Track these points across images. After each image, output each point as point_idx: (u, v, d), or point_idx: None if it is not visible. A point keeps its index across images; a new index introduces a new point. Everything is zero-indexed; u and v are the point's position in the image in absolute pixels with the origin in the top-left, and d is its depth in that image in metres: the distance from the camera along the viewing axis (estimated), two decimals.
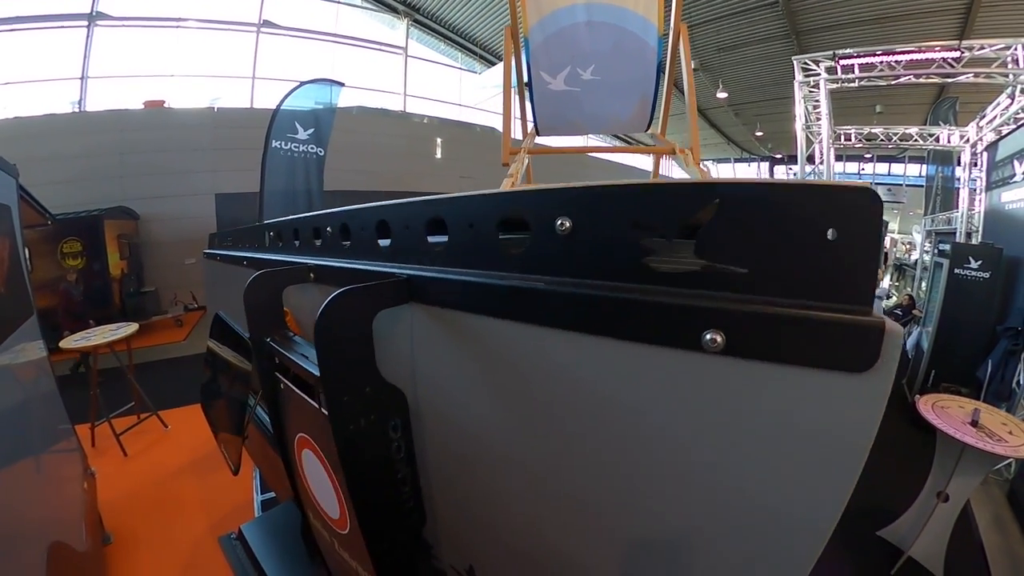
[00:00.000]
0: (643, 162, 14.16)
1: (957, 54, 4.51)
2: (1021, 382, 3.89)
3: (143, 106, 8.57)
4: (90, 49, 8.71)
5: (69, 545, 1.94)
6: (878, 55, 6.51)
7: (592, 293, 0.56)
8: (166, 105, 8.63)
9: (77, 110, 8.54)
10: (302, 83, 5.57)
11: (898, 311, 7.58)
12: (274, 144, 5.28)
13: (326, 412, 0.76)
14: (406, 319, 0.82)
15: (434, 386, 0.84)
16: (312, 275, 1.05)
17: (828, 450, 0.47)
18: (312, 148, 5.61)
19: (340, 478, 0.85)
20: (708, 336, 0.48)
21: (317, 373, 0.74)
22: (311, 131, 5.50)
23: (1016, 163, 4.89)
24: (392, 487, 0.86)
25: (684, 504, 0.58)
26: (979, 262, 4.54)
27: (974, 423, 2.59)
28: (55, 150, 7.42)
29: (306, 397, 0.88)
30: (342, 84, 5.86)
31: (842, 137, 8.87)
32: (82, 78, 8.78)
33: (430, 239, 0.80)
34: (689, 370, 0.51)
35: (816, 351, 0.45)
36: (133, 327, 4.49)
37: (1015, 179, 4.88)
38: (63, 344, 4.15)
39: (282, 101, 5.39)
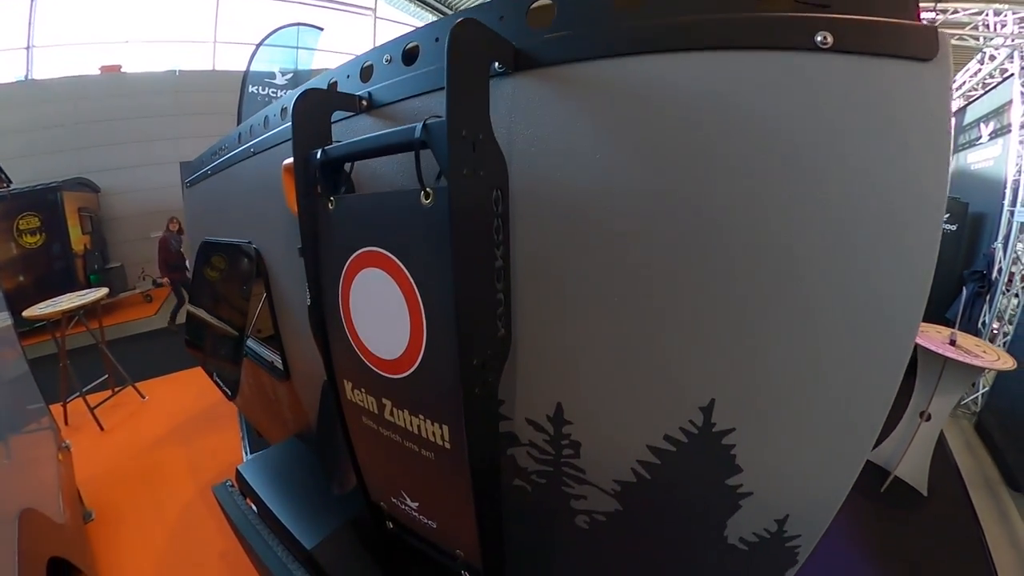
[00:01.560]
0: None
1: (933, 15, 4.66)
2: (986, 321, 4.18)
3: (99, 72, 7.96)
4: (34, 16, 7.98)
5: (45, 515, 1.80)
6: None
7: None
8: (123, 71, 8.04)
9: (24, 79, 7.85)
10: (280, 27, 5.30)
11: None
12: (251, 90, 5.02)
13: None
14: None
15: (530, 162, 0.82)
16: (363, 103, 0.98)
17: (922, 125, 0.63)
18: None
19: (431, 276, 0.81)
20: (819, 37, 0.63)
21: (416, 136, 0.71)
22: (289, 76, 5.26)
23: (982, 126, 5.14)
24: (490, 277, 0.82)
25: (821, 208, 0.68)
26: (947, 215, 4.79)
27: (952, 342, 2.75)
28: (1, 123, 6.82)
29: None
30: (321, 29, 5.61)
31: None
32: (28, 47, 8.06)
33: None
34: (807, 66, 0.65)
35: (897, 44, 0.61)
36: (103, 291, 4.24)
37: (980, 141, 5.14)
38: (27, 313, 3.85)
39: (259, 44, 5.13)
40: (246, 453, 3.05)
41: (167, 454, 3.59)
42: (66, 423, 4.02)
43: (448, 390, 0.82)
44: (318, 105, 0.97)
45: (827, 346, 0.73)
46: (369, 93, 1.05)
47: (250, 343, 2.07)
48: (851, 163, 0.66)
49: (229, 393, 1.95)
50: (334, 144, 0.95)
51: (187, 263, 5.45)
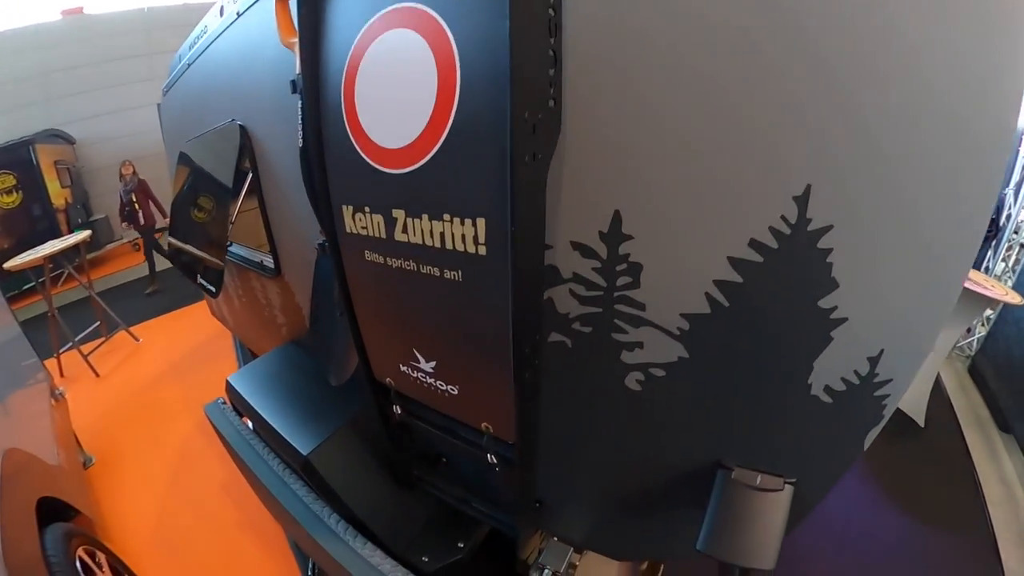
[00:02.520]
0: None
1: None
2: (990, 266, 4.20)
3: (61, 16, 7.33)
4: None
5: (33, 455, 1.75)
6: None
7: None
8: (86, 13, 7.42)
9: None
10: None
11: None
12: None
13: None
14: None
15: None
16: None
17: None
18: None
19: None
20: None
21: None
22: None
23: None
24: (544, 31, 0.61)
25: None
26: None
27: None
28: None
29: None
30: None
31: None
32: None
33: None
34: None
35: None
36: (84, 233, 4.00)
37: None
38: (9, 264, 3.62)
39: None
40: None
41: (164, 392, 3.48)
42: (61, 374, 3.89)
43: (486, 165, 0.62)
44: None
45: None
46: None
47: (235, 249, 1.87)
48: None
49: (213, 290, 1.78)
50: None
51: (140, 210, 5.08)
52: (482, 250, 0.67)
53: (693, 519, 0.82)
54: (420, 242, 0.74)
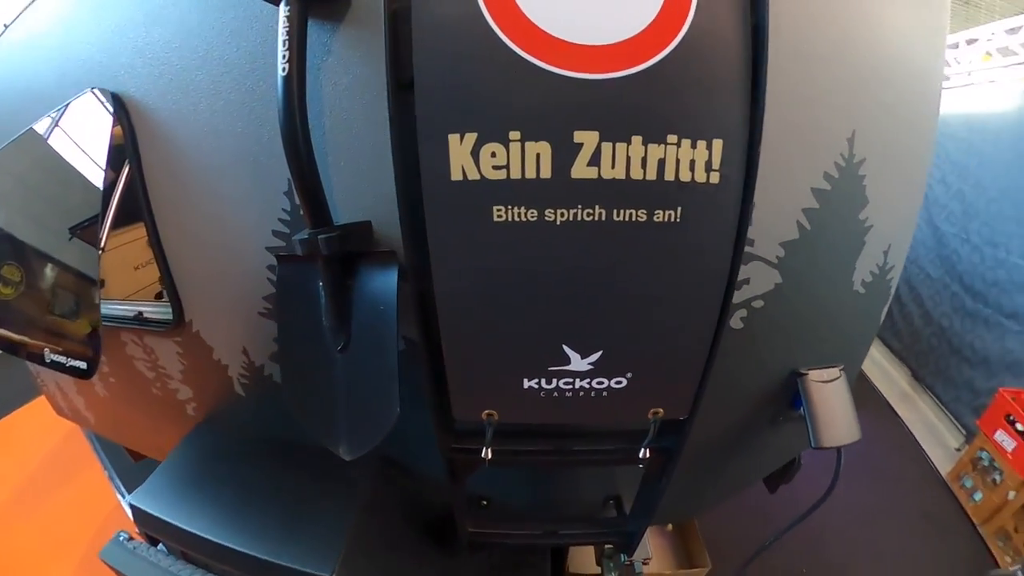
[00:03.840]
0: None
1: None
2: None
3: None
4: None
5: None
6: None
7: None
8: None
9: None
10: None
11: None
12: None
13: None
14: None
15: None
16: None
17: None
18: None
19: None
20: None
21: None
22: None
23: None
24: None
25: None
26: None
27: None
28: None
29: None
30: None
31: None
32: None
33: None
34: None
35: None
36: None
37: None
38: None
39: None
40: (122, 493, 1.94)
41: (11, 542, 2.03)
42: None
43: (734, 69, 0.51)
44: None
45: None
46: None
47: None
48: None
49: (84, 367, 1.06)
50: None
51: None
52: (716, 176, 0.56)
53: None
54: (622, 176, 0.55)
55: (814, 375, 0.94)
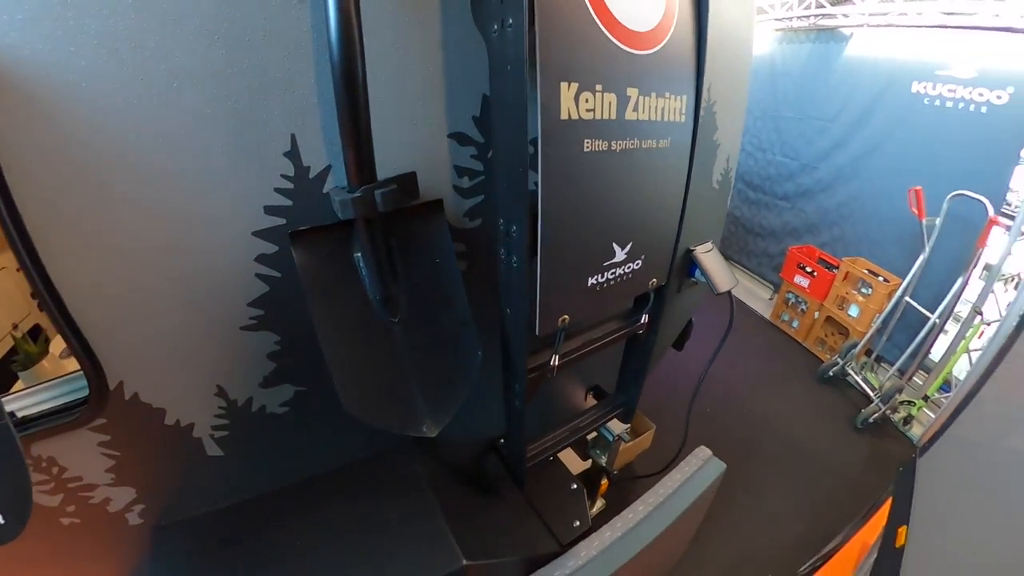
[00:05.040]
0: None
1: None
2: None
3: None
4: None
5: None
6: None
7: None
8: None
9: None
10: None
11: None
12: None
13: None
14: None
15: None
16: None
17: None
18: None
19: None
20: None
21: None
22: None
23: None
24: None
25: None
26: None
27: None
28: None
29: None
30: None
31: None
32: None
33: None
34: None
35: None
36: None
37: None
38: None
39: None
40: None
41: None
42: None
43: (691, 54, 0.87)
44: None
45: None
46: None
47: None
48: None
49: None
50: None
51: None
52: (683, 119, 0.91)
53: None
54: (647, 118, 0.83)
55: (700, 248, 1.42)
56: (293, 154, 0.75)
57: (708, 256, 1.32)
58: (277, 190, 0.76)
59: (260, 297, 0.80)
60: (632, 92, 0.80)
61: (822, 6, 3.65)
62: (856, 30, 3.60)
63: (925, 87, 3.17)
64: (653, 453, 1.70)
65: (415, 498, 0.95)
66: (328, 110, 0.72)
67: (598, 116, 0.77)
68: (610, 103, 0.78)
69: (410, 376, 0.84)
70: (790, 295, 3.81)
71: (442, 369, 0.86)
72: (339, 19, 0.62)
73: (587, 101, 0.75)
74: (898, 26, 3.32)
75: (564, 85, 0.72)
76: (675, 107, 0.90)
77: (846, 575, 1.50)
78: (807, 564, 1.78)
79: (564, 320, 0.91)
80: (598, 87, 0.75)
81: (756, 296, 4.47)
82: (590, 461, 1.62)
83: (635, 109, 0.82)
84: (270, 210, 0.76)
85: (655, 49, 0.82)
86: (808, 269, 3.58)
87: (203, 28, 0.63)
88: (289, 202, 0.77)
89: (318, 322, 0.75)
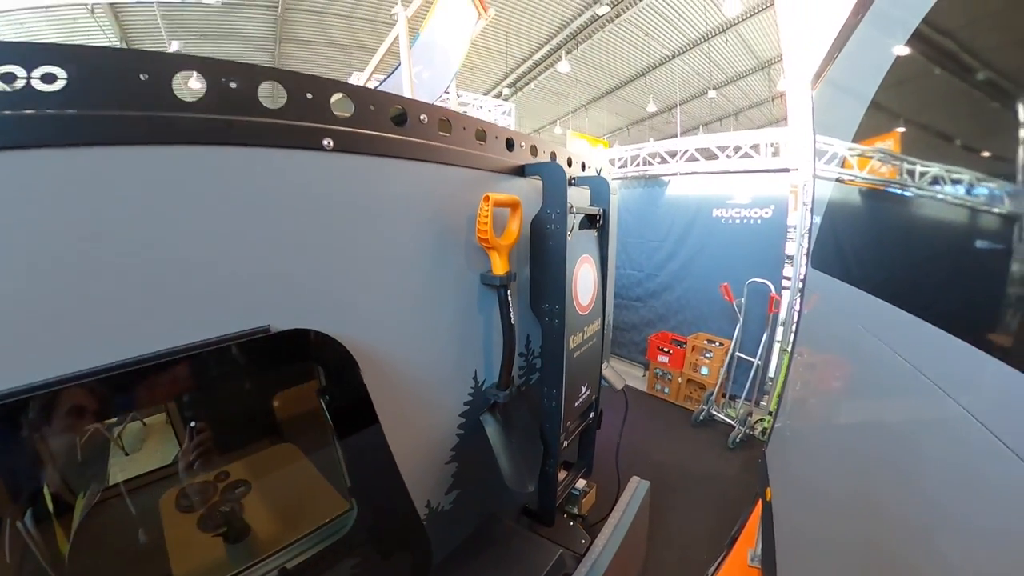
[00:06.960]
0: None
1: None
2: None
3: None
4: None
5: None
6: None
7: None
8: None
9: None
10: None
11: None
12: None
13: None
14: None
15: None
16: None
17: None
18: None
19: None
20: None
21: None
22: None
23: None
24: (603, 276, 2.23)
25: None
26: None
27: None
28: None
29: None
30: None
31: None
32: None
33: None
34: None
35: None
36: None
37: None
38: None
39: None
40: None
41: None
42: None
43: (599, 306, 2.17)
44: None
45: None
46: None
47: None
48: None
49: None
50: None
51: None
52: (598, 327, 2.20)
53: None
54: (590, 336, 2.08)
55: (603, 368, 2.68)
56: (474, 376, 1.71)
57: (607, 371, 2.62)
58: (468, 392, 1.69)
59: (455, 444, 1.66)
60: (584, 331, 2.05)
61: (649, 163, 5.76)
62: (672, 178, 5.55)
63: (721, 212, 4.95)
64: (599, 504, 2.72)
65: (521, 536, 1.75)
66: (490, 358, 1.74)
67: (576, 342, 1.98)
68: (581, 335, 2.00)
69: (517, 457, 1.77)
70: (658, 370, 5.17)
71: (528, 454, 1.81)
72: (505, 324, 1.69)
73: (575, 339, 1.95)
74: (700, 173, 5.28)
75: (571, 338, 1.91)
76: (595, 328, 2.19)
77: (751, 535, 2.57)
78: (729, 537, 2.87)
79: (568, 423, 1.98)
80: (576, 333, 1.97)
81: (633, 376, 5.84)
82: (565, 514, 2.51)
83: (582, 332, 2.06)
84: (465, 401, 1.68)
85: (590, 309, 2.11)
86: (666, 349, 4.98)
87: (452, 331, 1.62)
88: (471, 397, 1.70)
89: (501, 450, 1.65)
